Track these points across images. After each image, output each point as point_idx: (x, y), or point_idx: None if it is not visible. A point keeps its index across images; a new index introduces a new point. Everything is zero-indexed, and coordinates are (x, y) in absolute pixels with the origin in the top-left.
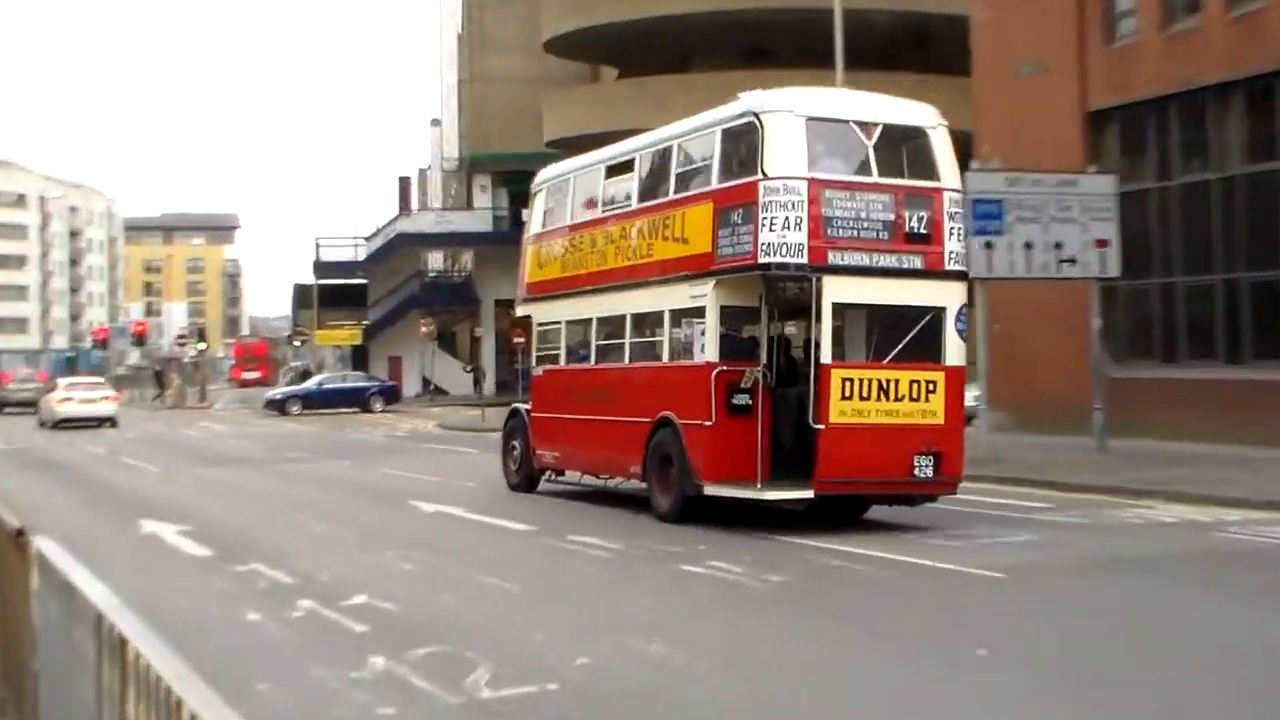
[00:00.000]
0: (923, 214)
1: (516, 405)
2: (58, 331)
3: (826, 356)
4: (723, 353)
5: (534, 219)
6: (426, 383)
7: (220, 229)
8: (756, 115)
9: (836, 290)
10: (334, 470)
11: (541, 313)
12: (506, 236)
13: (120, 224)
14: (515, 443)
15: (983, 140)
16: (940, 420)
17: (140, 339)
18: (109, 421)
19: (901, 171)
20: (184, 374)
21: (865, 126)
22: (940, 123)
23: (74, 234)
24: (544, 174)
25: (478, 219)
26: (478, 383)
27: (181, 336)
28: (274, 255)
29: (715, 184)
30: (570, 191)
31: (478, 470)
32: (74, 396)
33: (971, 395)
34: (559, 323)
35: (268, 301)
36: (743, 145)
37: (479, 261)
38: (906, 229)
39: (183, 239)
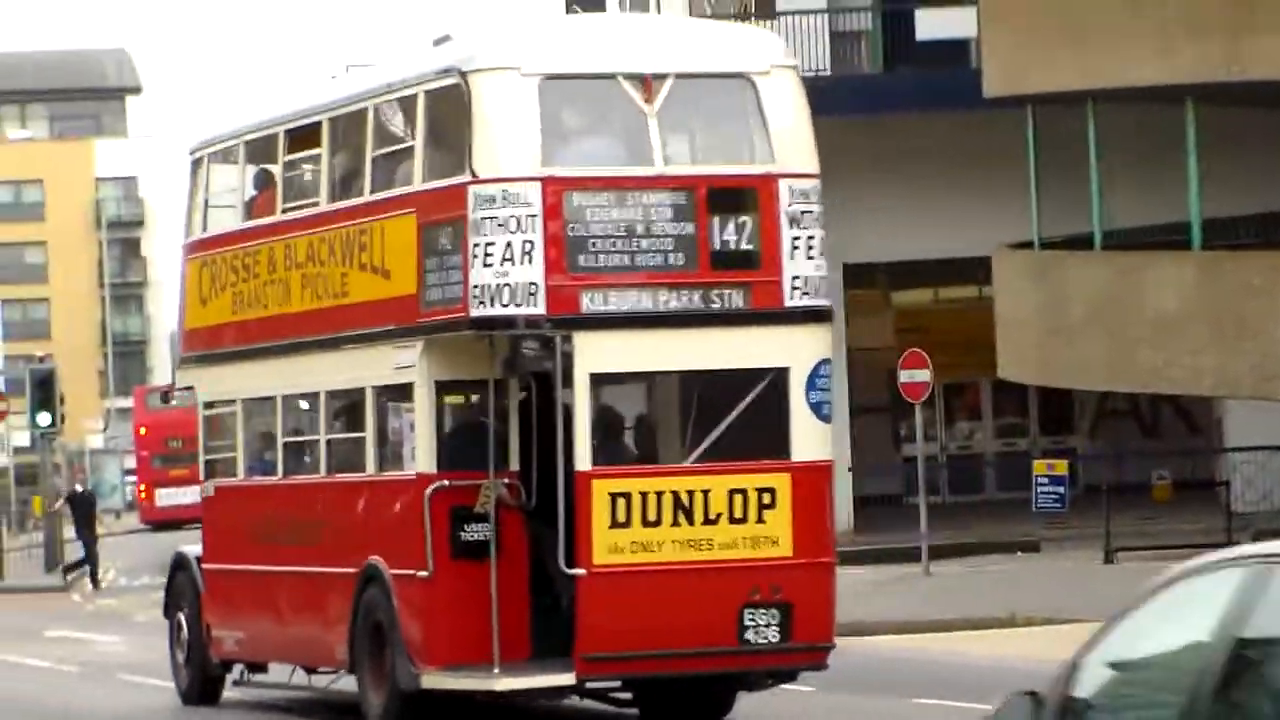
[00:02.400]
0: (743, 220)
1: (183, 550)
2: None
3: (585, 460)
4: (447, 456)
5: (193, 214)
6: None
7: (86, 95)
8: (462, 74)
9: (596, 354)
10: None
11: (210, 384)
12: None
13: None
14: (182, 616)
15: None
16: (786, 551)
17: None
18: None
19: (707, 151)
20: None
21: (643, 81)
22: (782, 62)
23: None
24: (205, 134)
25: None
26: None
27: None
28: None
29: (419, 182)
30: (242, 169)
31: None
32: None
33: None
34: (233, 403)
35: None
36: (450, 121)
37: None
38: (715, 247)
39: None
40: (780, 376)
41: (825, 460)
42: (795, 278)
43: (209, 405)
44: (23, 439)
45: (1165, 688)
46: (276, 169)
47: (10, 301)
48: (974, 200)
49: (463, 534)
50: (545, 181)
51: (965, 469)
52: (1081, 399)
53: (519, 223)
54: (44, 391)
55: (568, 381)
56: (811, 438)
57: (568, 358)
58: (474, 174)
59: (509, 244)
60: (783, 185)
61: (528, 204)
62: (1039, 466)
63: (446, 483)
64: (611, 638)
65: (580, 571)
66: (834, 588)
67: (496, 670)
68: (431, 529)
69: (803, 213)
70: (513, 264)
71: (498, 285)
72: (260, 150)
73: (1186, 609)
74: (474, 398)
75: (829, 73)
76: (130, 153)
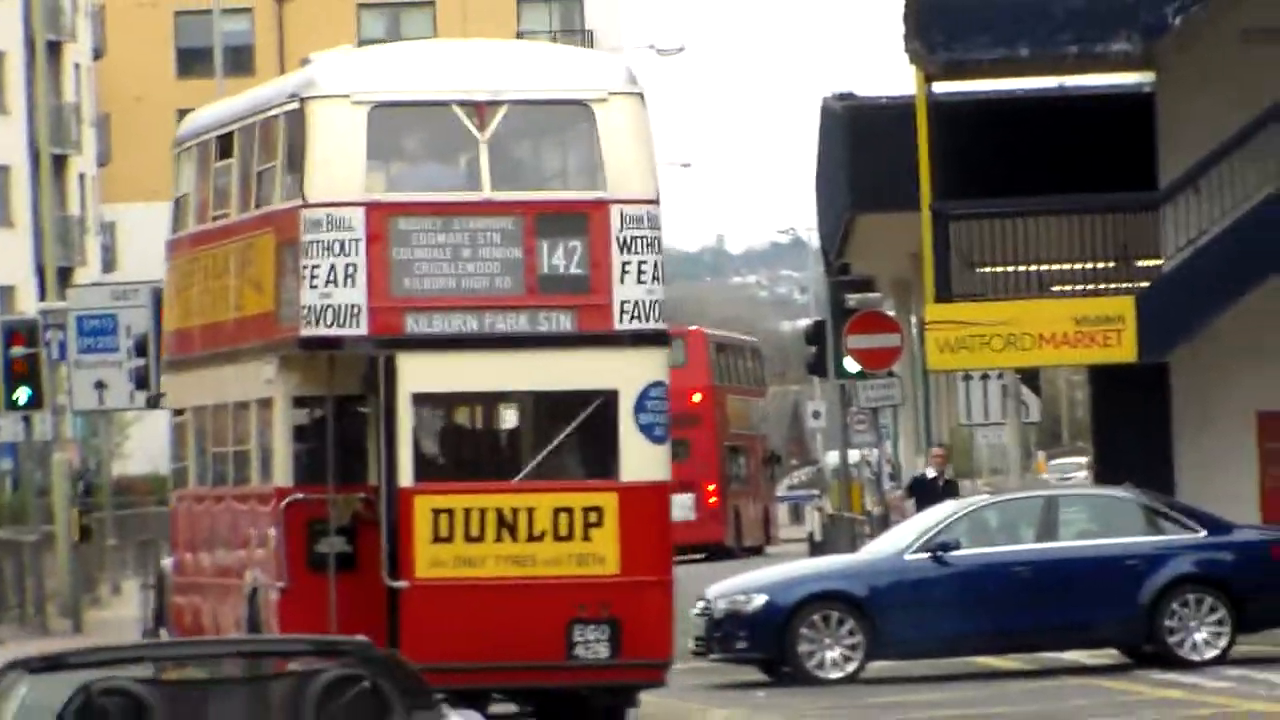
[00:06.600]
0: (573, 244)
1: (164, 563)
2: None
3: (407, 477)
4: (304, 471)
5: (173, 211)
6: None
7: None
8: (301, 100)
9: (419, 375)
10: None
11: (176, 390)
12: None
13: None
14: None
15: None
16: (613, 569)
17: None
18: None
19: (539, 177)
20: None
21: (477, 108)
22: (623, 89)
23: None
24: (182, 126)
25: None
26: None
27: None
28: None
29: (277, 203)
30: (196, 169)
31: None
32: None
33: None
34: (185, 412)
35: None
36: (298, 144)
37: None
38: (543, 271)
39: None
40: (609, 399)
41: (657, 480)
42: (625, 301)
43: (175, 413)
44: None
45: None
46: (210, 174)
47: None
48: None
49: (317, 547)
50: (369, 207)
51: None
52: None
53: (343, 246)
54: None
55: (392, 400)
56: (641, 459)
57: (391, 378)
58: (304, 198)
59: (333, 266)
60: (614, 210)
61: (351, 228)
62: None
63: (300, 495)
64: (436, 648)
65: (403, 584)
66: (669, 605)
67: None
68: (285, 541)
69: (634, 237)
70: (336, 286)
71: (323, 306)
72: (204, 153)
73: None
74: (343, 412)
75: None
76: None
